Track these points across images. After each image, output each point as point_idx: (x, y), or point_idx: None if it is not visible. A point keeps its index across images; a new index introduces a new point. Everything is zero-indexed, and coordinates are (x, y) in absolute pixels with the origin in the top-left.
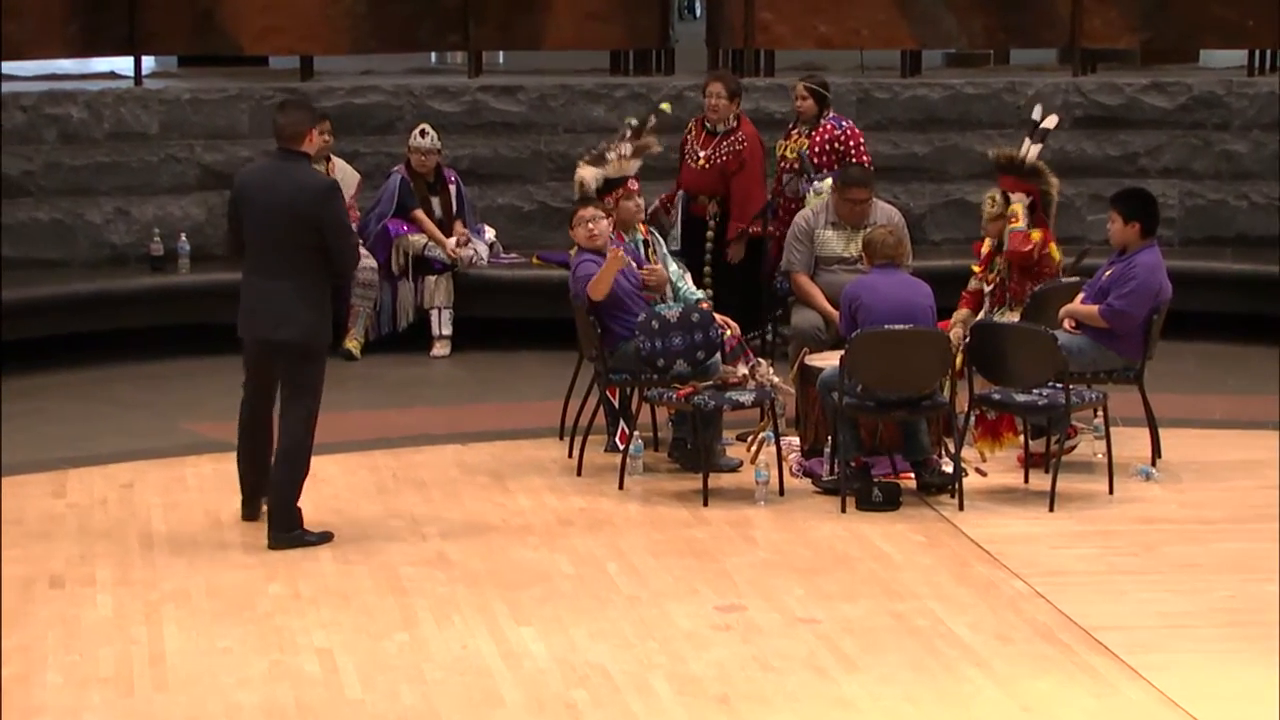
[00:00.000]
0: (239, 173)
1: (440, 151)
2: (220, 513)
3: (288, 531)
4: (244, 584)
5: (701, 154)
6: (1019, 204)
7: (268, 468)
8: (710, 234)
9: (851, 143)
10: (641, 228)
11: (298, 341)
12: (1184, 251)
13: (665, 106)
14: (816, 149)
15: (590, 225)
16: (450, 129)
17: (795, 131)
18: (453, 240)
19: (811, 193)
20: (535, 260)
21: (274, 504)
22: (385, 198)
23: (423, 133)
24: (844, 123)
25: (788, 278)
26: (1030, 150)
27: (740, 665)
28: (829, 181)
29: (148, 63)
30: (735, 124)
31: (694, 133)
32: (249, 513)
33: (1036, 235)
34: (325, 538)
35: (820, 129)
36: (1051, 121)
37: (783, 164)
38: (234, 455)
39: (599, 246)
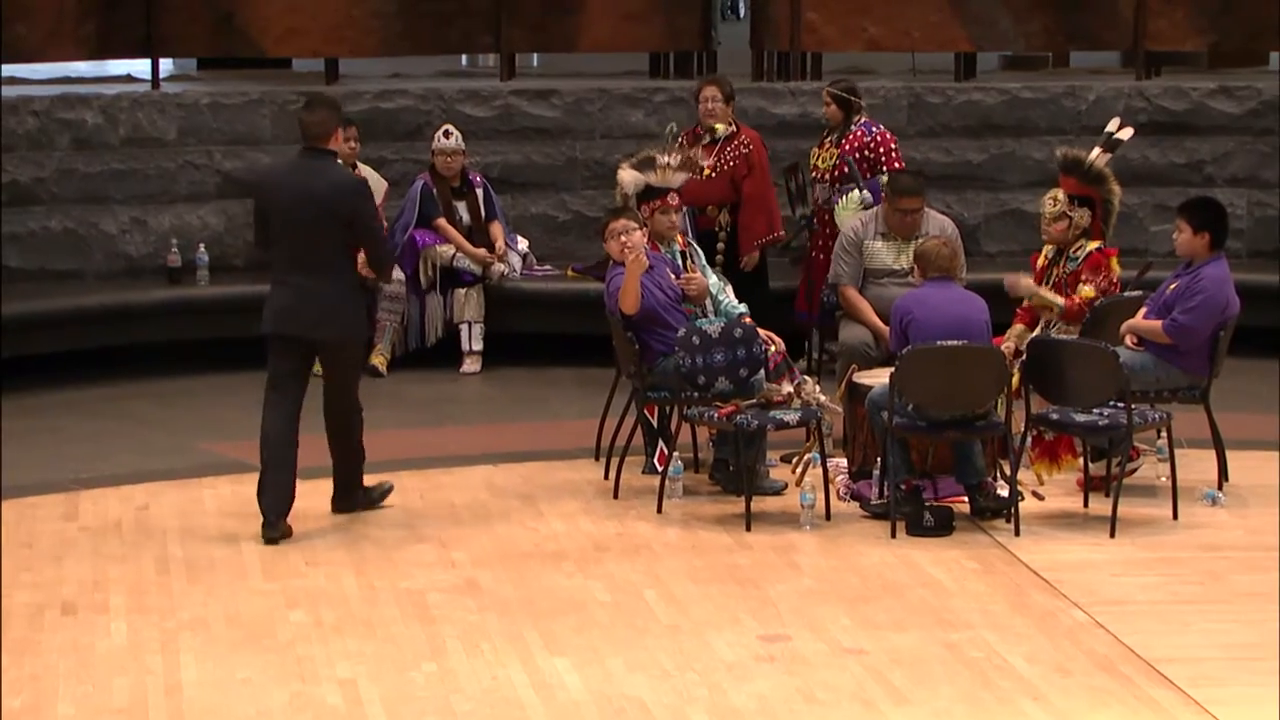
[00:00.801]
0: (260, 170)
1: (465, 153)
2: (240, 536)
3: (353, 499)
4: (264, 611)
5: (705, 163)
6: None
7: (292, 481)
8: (722, 245)
9: (882, 149)
10: (679, 239)
11: (340, 339)
12: (1252, 264)
13: (720, 128)
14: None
15: (623, 238)
16: (481, 134)
17: (827, 140)
18: (486, 250)
19: (840, 205)
20: (570, 272)
21: (342, 481)
22: (408, 207)
23: (446, 133)
24: (874, 129)
25: (835, 291)
26: (1098, 157)
27: (784, 698)
28: (856, 194)
29: (165, 65)
30: (735, 128)
31: (687, 144)
32: (270, 534)
33: (1089, 292)
34: (386, 490)
35: (849, 136)
36: (1126, 133)
37: (814, 174)
38: (254, 477)
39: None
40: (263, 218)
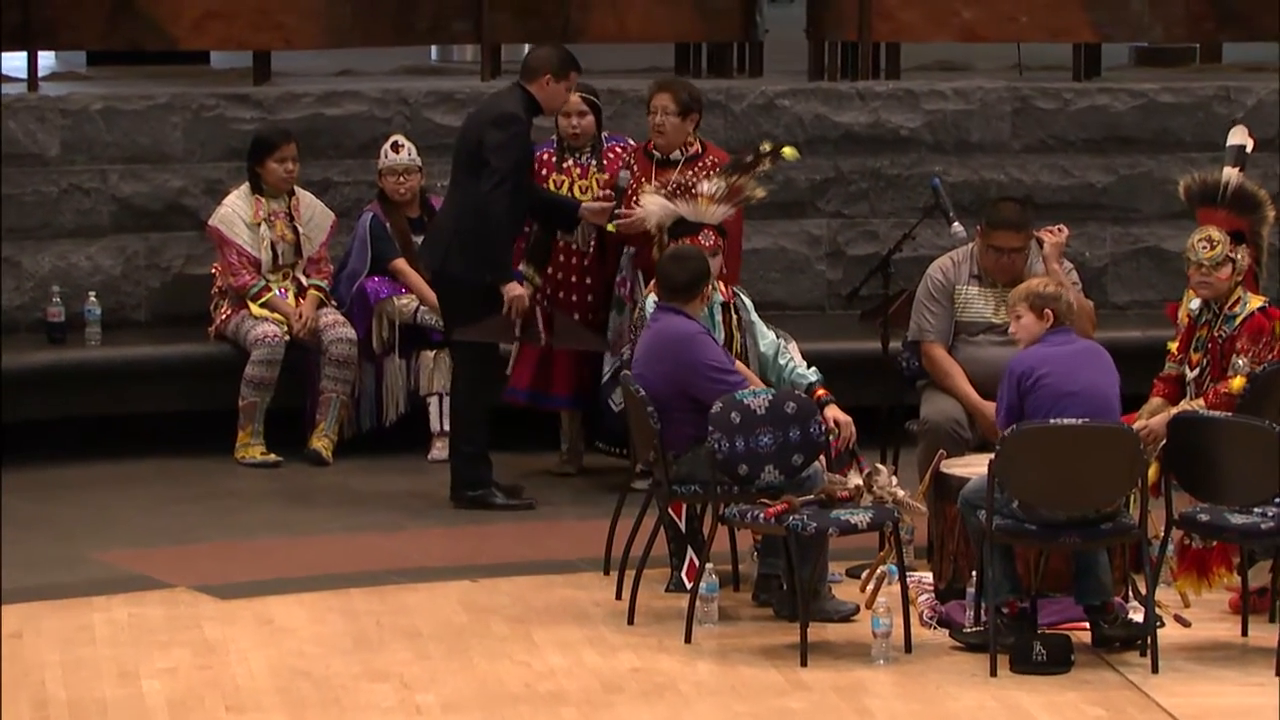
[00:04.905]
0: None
1: (424, 170)
2: (140, 673)
3: (471, 490)
4: None
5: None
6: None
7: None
8: None
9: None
10: (722, 288)
11: (435, 271)
12: None
13: (788, 152)
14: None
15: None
16: None
17: (573, 161)
18: None
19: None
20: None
21: (461, 461)
22: (355, 249)
23: (396, 145)
24: (624, 142)
25: (916, 351)
26: (1233, 178)
27: None
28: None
29: (46, 60)
30: (700, 149)
31: (636, 166)
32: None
33: (1238, 384)
34: (526, 503)
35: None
36: (1241, 134)
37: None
38: (159, 595)
39: None
40: None
